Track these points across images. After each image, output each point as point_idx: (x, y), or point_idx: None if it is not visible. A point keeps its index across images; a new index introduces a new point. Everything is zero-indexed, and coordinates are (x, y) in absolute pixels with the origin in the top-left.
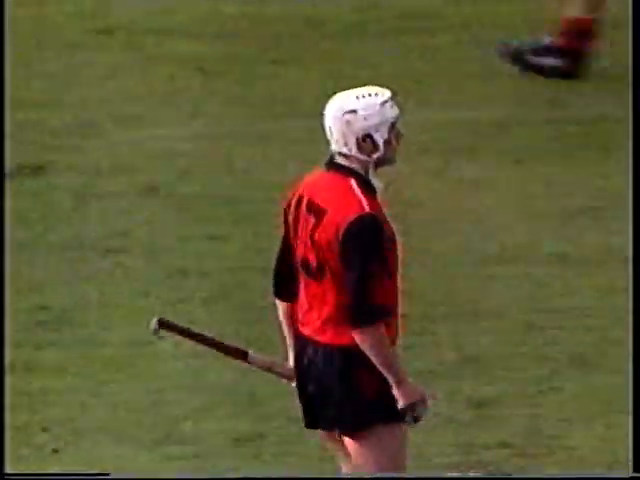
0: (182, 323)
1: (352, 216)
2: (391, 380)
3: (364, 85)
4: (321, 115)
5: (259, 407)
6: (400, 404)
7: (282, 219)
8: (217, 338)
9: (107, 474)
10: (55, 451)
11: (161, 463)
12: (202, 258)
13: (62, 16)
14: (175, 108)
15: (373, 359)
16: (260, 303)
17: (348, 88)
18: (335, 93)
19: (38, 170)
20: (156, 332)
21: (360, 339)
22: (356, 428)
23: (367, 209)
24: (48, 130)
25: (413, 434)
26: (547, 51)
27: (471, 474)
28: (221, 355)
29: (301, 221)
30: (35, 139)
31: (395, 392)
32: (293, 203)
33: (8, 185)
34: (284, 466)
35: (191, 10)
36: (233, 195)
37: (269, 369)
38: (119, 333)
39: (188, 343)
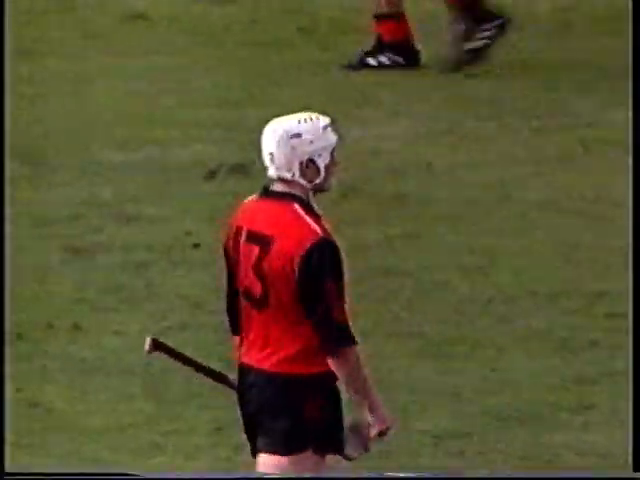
0: (383, 322)
1: (309, 243)
2: (366, 404)
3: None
4: (525, 117)
5: (463, 405)
6: (375, 429)
7: (223, 254)
8: (205, 363)
9: (106, 474)
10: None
11: (362, 461)
12: (404, 257)
13: (268, 13)
14: (379, 107)
15: (348, 383)
16: (462, 303)
17: (552, 89)
18: (538, 95)
19: (239, 169)
20: (150, 352)
21: (338, 363)
22: (286, 451)
23: (321, 234)
24: (250, 129)
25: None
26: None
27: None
28: (430, 356)
29: (241, 252)
30: (236, 138)
31: (369, 417)
32: (231, 236)
33: (210, 184)
34: (487, 464)
35: None
36: (433, 195)
37: None
38: None
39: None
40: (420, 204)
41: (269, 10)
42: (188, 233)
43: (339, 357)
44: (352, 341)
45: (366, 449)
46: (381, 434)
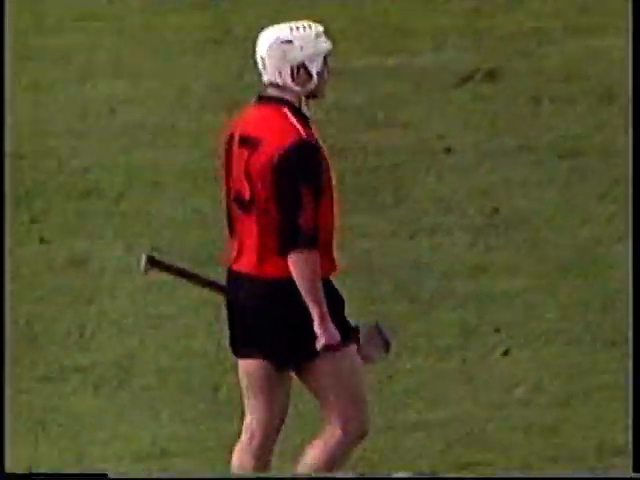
0: None
1: (289, 142)
2: (314, 313)
3: None
4: None
5: None
6: (320, 343)
7: (222, 172)
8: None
9: (105, 474)
10: (505, 353)
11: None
12: None
13: None
14: None
15: (300, 286)
16: None
17: None
18: None
19: (491, 75)
20: (146, 271)
21: (291, 264)
22: (308, 357)
23: (304, 136)
24: (500, 36)
25: None
26: None
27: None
28: None
29: (234, 159)
30: (486, 45)
31: (316, 328)
32: (224, 146)
33: (462, 90)
34: None
35: None
36: None
37: None
38: (573, 236)
39: None
40: None
41: None
42: (440, 137)
43: (292, 258)
44: (309, 245)
45: (387, 351)
46: (326, 349)
